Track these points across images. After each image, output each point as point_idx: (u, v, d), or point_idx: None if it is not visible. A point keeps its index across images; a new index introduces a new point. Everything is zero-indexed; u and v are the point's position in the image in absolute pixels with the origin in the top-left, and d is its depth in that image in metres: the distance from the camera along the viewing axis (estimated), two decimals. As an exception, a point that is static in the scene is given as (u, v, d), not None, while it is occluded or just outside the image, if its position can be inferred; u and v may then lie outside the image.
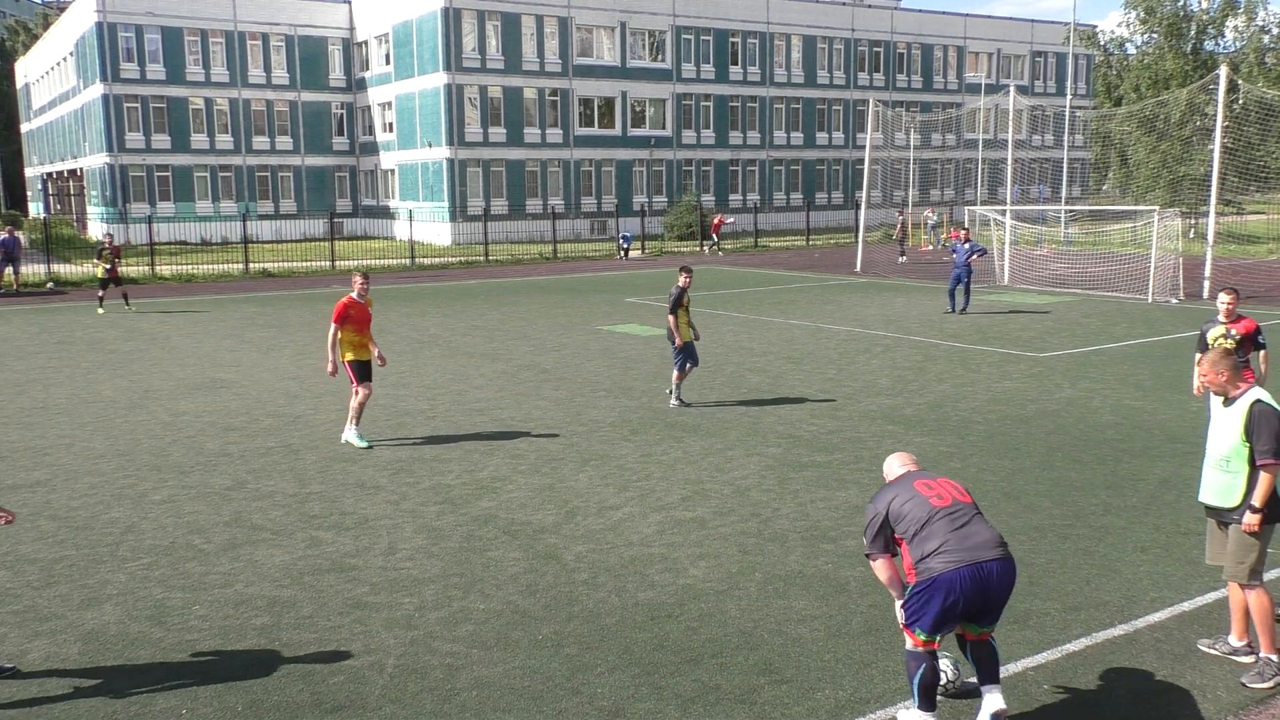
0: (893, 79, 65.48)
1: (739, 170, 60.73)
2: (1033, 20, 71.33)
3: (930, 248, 44.91)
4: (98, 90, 53.30)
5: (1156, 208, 28.80)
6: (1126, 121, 45.18)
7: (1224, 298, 10.35)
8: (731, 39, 59.17)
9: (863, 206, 37.63)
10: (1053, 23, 70.05)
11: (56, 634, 6.91)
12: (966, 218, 32.93)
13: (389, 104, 56.37)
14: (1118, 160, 48.73)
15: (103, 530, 9.07)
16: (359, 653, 6.60)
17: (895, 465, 5.97)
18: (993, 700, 5.48)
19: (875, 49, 64.76)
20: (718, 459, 11.16)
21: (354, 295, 11.72)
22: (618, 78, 55.65)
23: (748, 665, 6.37)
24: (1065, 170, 48.54)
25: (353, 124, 59.86)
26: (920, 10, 66.85)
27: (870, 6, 65.26)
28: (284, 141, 57.69)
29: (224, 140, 55.99)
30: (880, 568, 5.63)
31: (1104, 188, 54.39)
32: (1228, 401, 6.29)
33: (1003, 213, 31.83)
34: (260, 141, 56.95)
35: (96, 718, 5.85)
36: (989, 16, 70.65)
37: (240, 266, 37.32)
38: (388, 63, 55.76)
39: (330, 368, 11.76)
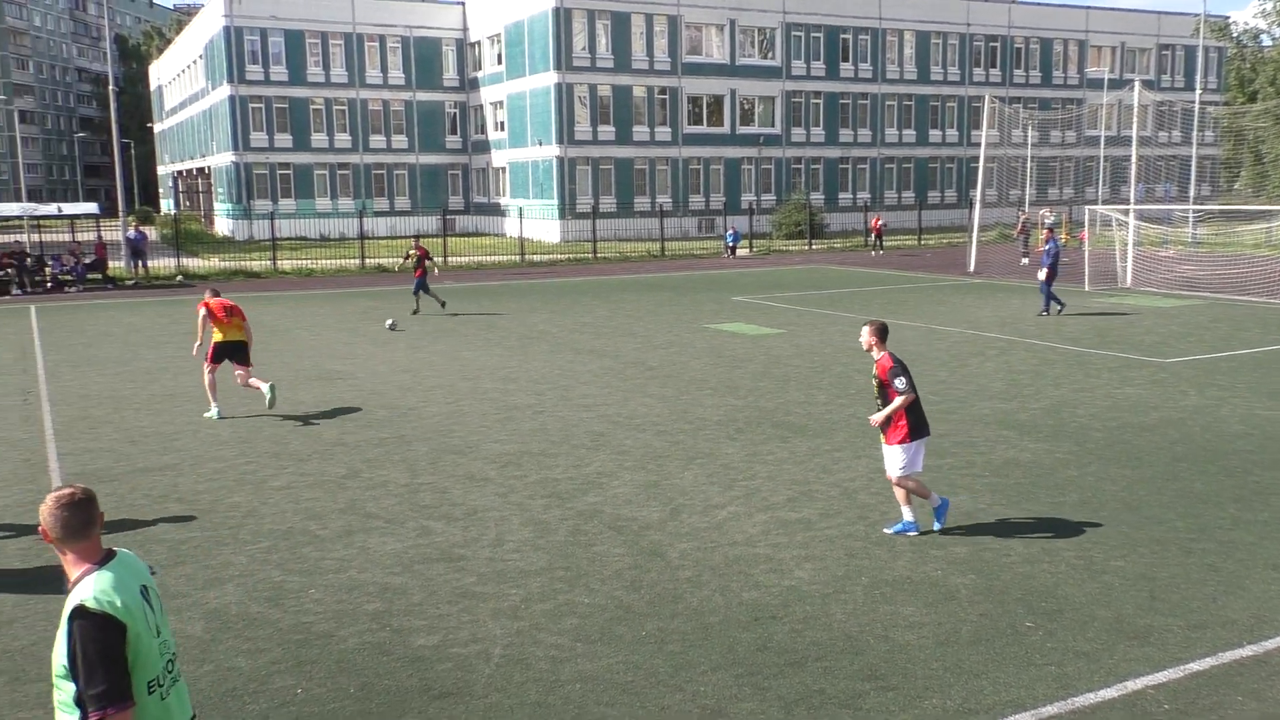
0: (1010, 74, 63.74)
1: (849, 168, 59.90)
2: (1159, 12, 68.53)
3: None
4: (225, 92, 55.47)
5: (1293, 208, 27.39)
6: (1262, 118, 43.13)
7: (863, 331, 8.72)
8: (842, 35, 58.37)
9: (977, 205, 36.69)
10: (1181, 14, 67.31)
11: (182, 611, 7.21)
12: (1087, 217, 31.79)
13: (500, 103, 57.25)
14: (1251, 158, 46.57)
15: (225, 514, 9.43)
16: (466, 641, 6.72)
17: None
18: None
19: (991, 44, 63.13)
20: (824, 460, 11.03)
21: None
22: (727, 75, 55.44)
23: (852, 670, 6.28)
24: (1194, 168, 46.42)
25: (465, 123, 61.00)
26: (1039, 3, 64.83)
27: (986, 0, 63.61)
28: (399, 140, 59.13)
29: (342, 139, 57.66)
30: None
31: (1235, 187, 51.99)
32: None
33: (1126, 213, 30.70)
34: (377, 140, 58.49)
35: (218, 692, 6.09)
36: (1113, 9, 68.02)
37: (357, 262, 38.40)
38: (499, 62, 56.65)
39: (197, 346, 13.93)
